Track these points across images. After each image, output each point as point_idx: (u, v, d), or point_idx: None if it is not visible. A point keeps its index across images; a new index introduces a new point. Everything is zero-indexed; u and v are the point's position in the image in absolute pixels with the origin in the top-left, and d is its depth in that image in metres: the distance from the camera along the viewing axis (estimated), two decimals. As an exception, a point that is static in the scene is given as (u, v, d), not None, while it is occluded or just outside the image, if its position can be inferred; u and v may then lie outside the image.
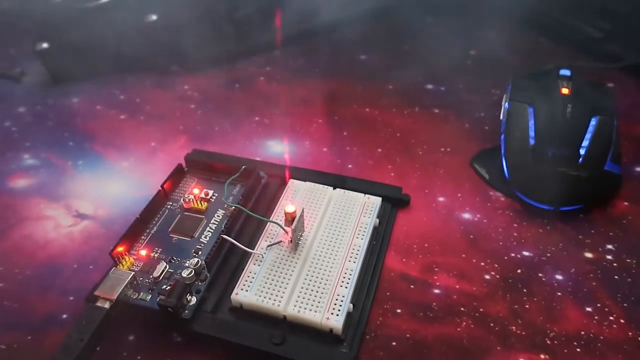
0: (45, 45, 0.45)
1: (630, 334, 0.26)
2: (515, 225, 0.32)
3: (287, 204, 0.30)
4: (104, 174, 0.37)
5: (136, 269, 0.29)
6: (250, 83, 0.45)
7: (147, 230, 0.31)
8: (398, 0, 0.52)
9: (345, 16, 0.50)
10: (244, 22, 0.48)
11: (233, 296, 0.27)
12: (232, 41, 0.48)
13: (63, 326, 0.28)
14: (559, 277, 0.29)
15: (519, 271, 0.29)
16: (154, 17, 0.45)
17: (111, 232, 0.33)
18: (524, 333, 0.26)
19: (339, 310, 0.26)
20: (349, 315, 0.26)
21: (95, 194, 0.36)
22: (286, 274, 0.28)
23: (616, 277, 0.29)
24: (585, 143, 0.31)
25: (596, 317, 0.27)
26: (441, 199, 0.34)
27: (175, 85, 0.46)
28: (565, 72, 0.37)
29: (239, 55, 0.48)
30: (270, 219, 0.30)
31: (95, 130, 0.41)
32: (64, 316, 0.29)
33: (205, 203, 0.32)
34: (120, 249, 0.29)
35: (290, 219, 0.28)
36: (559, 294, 0.28)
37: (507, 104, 0.35)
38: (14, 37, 0.53)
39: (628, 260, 0.29)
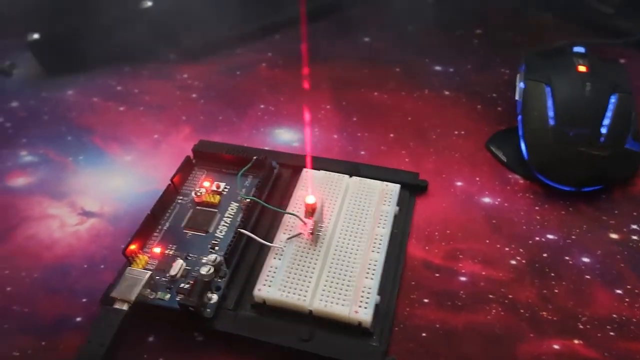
0: (36, 36, 0.42)
1: (662, 314, 0.26)
2: (537, 208, 0.31)
3: (304, 195, 0.30)
4: (107, 169, 0.36)
5: (151, 268, 0.28)
6: (251, 70, 0.44)
7: (159, 227, 0.30)
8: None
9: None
10: (242, 5, 0.47)
11: (256, 292, 0.26)
12: (231, 26, 0.47)
13: (78, 329, 0.27)
14: (585, 259, 0.28)
15: (544, 255, 0.29)
16: (149, 4, 0.43)
17: (120, 230, 0.32)
18: (555, 318, 0.26)
19: (367, 303, 0.25)
20: (376, 307, 0.26)
21: (99, 191, 0.34)
22: (309, 267, 0.27)
23: (643, 257, 0.28)
24: (606, 122, 0.31)
25: (627, 300, 0.26)
26: (459, 183, 0.33)
27: (174, 74, 0.44)
28: (580, 49, 0.36)
29: (238, 40, 0.47)
30: (288, 211, 0.29)
31: (93, 124, 0.40)
32: (78, 319, 0.27)
33: (218, 196, 0.31)
34: (133, 247, 0.28)
35: (310, 210, 0.27)
36: (587, 277, 0.27)
37: (522, 83, 0.34)
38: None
39: (653, 240, 0.29)
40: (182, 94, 0.42)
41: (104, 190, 0.34)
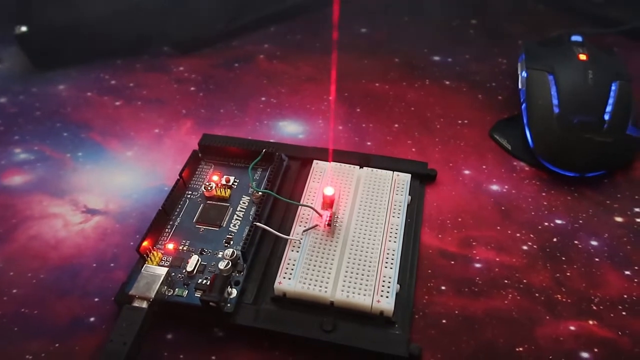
0: (24, 28, 0.41)
1: (670, 294, 0.27)
2: (543, 194, 0.32)
3: (317, 187, 0.30)
4: (108, 166, 0.35)
5: (166, 264, 0.27)
6: (250, 61, 0.43)
7: (170, 223, 0.29)
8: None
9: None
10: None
11: (276, 285, 0.26)
12: (225, 18, 0.46)
13: (92, 330, 0.26)
14: (594, 243, 0.29)
15: (554, 240, 0.29)
16: (142, -5, 0.42)
17: (127, 227, 0.31)
18: (569, 301, 0.27)
19: (388, 292, 0.25)
20: (397, 296, 0.26)
21: (102, 187, 0.34)
22: (327, 259, 0.27)
23: (648, 239, 0.29)
24: (608, 108, 0.31)
25: (636, 280, 0.27)
26: (466, 172, 0.33)
27: (170, 67, 0.43)
28: (577, 38, 0.37)
29: (233, 32, 0.46)
30: (304, 203, 0.29)
31: (90, 119, 0.39)
32: (92, 319, 0.27)
33: (228, 190, 0.31)
34: (145, 243, 0.27)
35: (328, 201, 0.27)
36: (597, 259, 0.28)
37: (524, 72, 0.35)
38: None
39: (656, 222, 0.30)
40: (179, 87, 0.41)
41: (106, 186, 0.34)
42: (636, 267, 0.28)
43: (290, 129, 0.37)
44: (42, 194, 0.33)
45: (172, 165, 0.35)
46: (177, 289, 0.26)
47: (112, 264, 0.29)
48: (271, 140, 0.35)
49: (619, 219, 0.30)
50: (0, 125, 0.38)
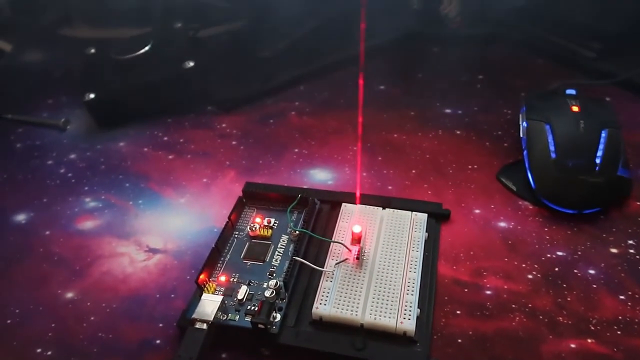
0: (92, 95, 0.48)
1: (660, 315, 0.30)
2: (546, 229, 0.36)
3: (346, 226, 0.34)
4: (165, 211, 0.41)
5: (220, 293, 0.32)
6: (283, 117, 0.49)
7: (222, 259, 0.35)
8: (405, 34, 0.57)
9: (358, 51, 0.55)
10: (269, 61, 0.53)
11: (314, 310, 0.30)
12: (261, 80, 0.53)
13: (158, 350, 0.31)
14: (591, 271, 0.33)
15: (556, 269, 0.33)
16: (191, 64, 0.49)
17: (183, 263, 0.36)
18: (570, 322, 0.30)
19: (410, 315, 0.30)
20: (417, 319, 0.30)
21: (161, 230, 0.39)
22: (357, 287, 0.31)
23: (640, 267, 0.33)
24: (599, 153, 0.36)
25: (629, 304, 0.31)
26: (477, 211, 0.38)
27: (214, 124, 0.49)
28: (571, 91, 0.42)
29: (268, 92, 0.53)
30: (335, 240, 0.34)
31: (147, 171, 0.45)
32: (158, 341, 0.32)
33: (270, 230, 0.36)
34: (202, 276, 0.32)
35: (357, 238, 0.32)
36: (594, 286, 0.32)
37: (525, 123, 0.40)
38: (46, 88, 0.56)
39: (648, 253, 0.34)
40: (222, 141, 0.47)
41: (165, 229, 0.39)
42: (629, 292, 0.32)
43: (320, 176, 0.42)
44: (111, 236, 0.39)
45: (219, 210, 0.40)
46: (229, 314, 0.31)
47: (172, 295, 0.34)
48: (304, 187, 0.41)
49: (614, 250, 0.34)
50: (72, 178, 0.45)
